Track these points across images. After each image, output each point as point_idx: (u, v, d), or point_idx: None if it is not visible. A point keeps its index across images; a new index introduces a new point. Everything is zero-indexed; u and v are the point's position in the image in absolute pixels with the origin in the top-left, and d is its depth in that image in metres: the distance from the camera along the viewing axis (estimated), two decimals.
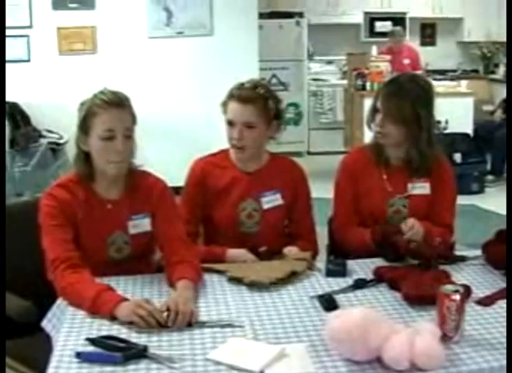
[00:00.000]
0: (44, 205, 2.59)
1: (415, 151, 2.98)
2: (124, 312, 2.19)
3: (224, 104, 2.95)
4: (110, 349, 2.01)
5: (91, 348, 2.04)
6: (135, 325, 2.16)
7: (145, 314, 2.16)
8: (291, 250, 2.85)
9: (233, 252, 2.90)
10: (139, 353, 1.98)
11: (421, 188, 3.05)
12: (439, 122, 3.03)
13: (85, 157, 2.62)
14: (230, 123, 2.91)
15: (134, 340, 2.07)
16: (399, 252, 2.76)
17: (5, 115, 6.25)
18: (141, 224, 2.70)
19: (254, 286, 2.51)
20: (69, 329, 2.18)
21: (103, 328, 2.18)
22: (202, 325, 2.21)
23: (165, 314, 2.20)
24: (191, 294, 2.37)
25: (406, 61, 9.36)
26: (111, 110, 2.53)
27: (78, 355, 1.97)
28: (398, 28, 9.84)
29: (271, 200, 3.01)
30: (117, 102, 2.55)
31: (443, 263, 2.70)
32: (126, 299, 2.27)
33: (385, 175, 3.06)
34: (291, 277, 2.60)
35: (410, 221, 2.84)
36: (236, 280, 2.58)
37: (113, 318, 2.22)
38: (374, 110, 3.02)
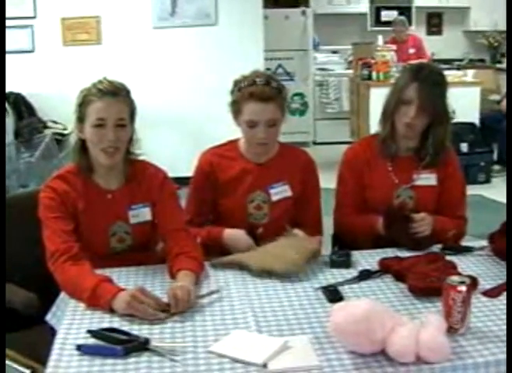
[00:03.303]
0: (43, 198, 2.58)
1: (431, 141, 2.96)
2: (120, 305, 2.18)
3: (236, 104, 2.87)
4: (111, 341, 1.99)
5: (92, 340, 2.02)
6: (135, 317, 2.15)
7: (141, 307, 2.15)
8: (298, 232, 2.82)
9: (229, 231, 2.89)
10: (141, 346, 1.96)
11: (427, 179, 3.02)
12: None
13: (82, 146, 2.61)
14: (251, 124, 2.85)
15: (135, 333, 2.05)
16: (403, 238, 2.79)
17: (4, 110, 6.22)
18: (141, 214, 2.69)
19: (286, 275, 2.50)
20: (70, 322, 2.17)
21: (105, 320, 2.17)
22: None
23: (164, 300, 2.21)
24: (190, 282, 2.35)
25: (411, 51, 9.31)
26: (104, 99, 2.51)
27: (79, 348, 1.96)
28: (400, 17, 9.80)
29: (280, 192, 2.99)
30: (112, 91, 2.53)
31: (450, 254, 2.68)
32: (123, 289, 2.25)
33: (390, 166, 3.04)
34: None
35: (421, 215, 2.84)
36: (266, 273, 2.52)
37: (112, 311, 2.20)
38: (399, 102, 2.92)
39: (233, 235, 2.88)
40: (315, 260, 2.66)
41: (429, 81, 2.89)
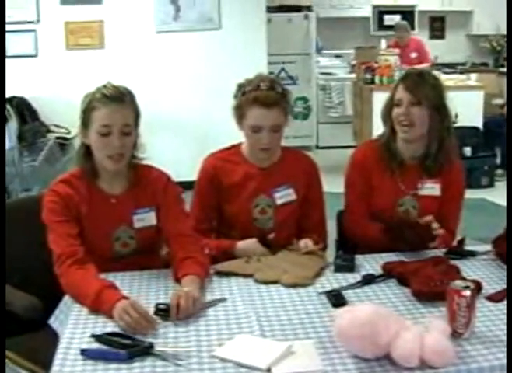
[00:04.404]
0: (47, 202, 2.58)
1: (435, 144, 2.95)
2: (115, 315, 2.16)
3: (240, 108, 2.85)
4: (115, 346, 1.99)
5: (96, 345, 2.02)
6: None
7: (130, 321, 2.11)
8: (307, 242, 2.80)
9: (242, 244, 2.86)
10: (144, 351, 1.96)
11: (431, 189, 3.01)
12: None
13: (86, 151, 2.60)
14: (255, 129, 2.83)
15: (139, 337, 2.05)
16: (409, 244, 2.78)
17: (4, 113, 6.21)
18: (146, 218, 2.67)
19: (295, 286, 2.48)
20: (74, 326, 2.16)
21: (109, 324, 2.16)
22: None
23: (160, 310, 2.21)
24: (196, 288, 2.34)
25: (413, 55, 9.31)
26: (110, 105, 2.50)
27: (83, 352, 1.96)
28: (402, 22, 9.80)
29: (285, 196, 2.98)
30: (117, 98, 2.52)
31: (454, 258, 2.68)
32: (125, 297, 2.24)
33: (397, 173, 3.02)
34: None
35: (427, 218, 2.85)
36: (269, 283, 2.51)
37: (113, 317, 2.19)
38: (392, 105, 2.96)
39: (246, 247, 2.84)
40: (322, 273, 2.64)
41: (413, 76, 2.99)
